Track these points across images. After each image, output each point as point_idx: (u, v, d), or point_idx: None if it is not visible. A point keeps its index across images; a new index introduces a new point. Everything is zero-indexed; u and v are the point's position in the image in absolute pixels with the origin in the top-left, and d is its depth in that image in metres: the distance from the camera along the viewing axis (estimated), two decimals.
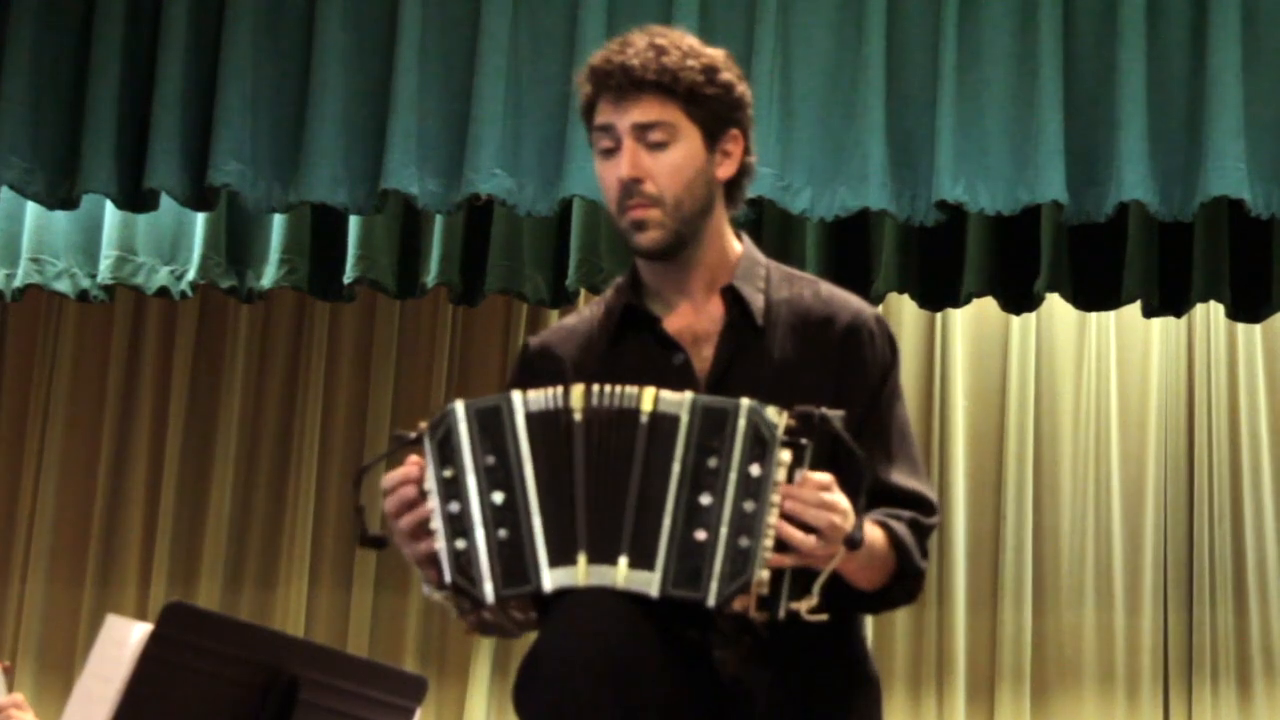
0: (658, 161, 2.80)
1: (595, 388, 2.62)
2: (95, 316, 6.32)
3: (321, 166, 5.18)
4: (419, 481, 2.64)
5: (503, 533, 2.59)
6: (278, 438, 6.34)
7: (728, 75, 2.84)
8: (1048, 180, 5.00)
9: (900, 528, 2.75)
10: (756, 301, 2.86)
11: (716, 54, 2.85)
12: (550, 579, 2.56)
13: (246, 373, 6.35)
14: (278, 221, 5.59)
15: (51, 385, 6.36)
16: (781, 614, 2.55)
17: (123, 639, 3.04)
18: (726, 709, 2.68)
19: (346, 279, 5.60)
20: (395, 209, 5.51)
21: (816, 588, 2.55)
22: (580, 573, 2.56)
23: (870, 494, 2.70)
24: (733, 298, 2.86)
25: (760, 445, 2.54)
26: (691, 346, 2.85)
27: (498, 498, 2.60)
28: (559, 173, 5.11)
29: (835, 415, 2.58)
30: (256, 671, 3.11)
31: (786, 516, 2.54)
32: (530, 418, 2.62)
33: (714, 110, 2.82)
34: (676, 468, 2.56)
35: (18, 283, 5.63)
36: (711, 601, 2.51)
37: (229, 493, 6.27)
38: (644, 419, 2.59)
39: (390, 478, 2.67)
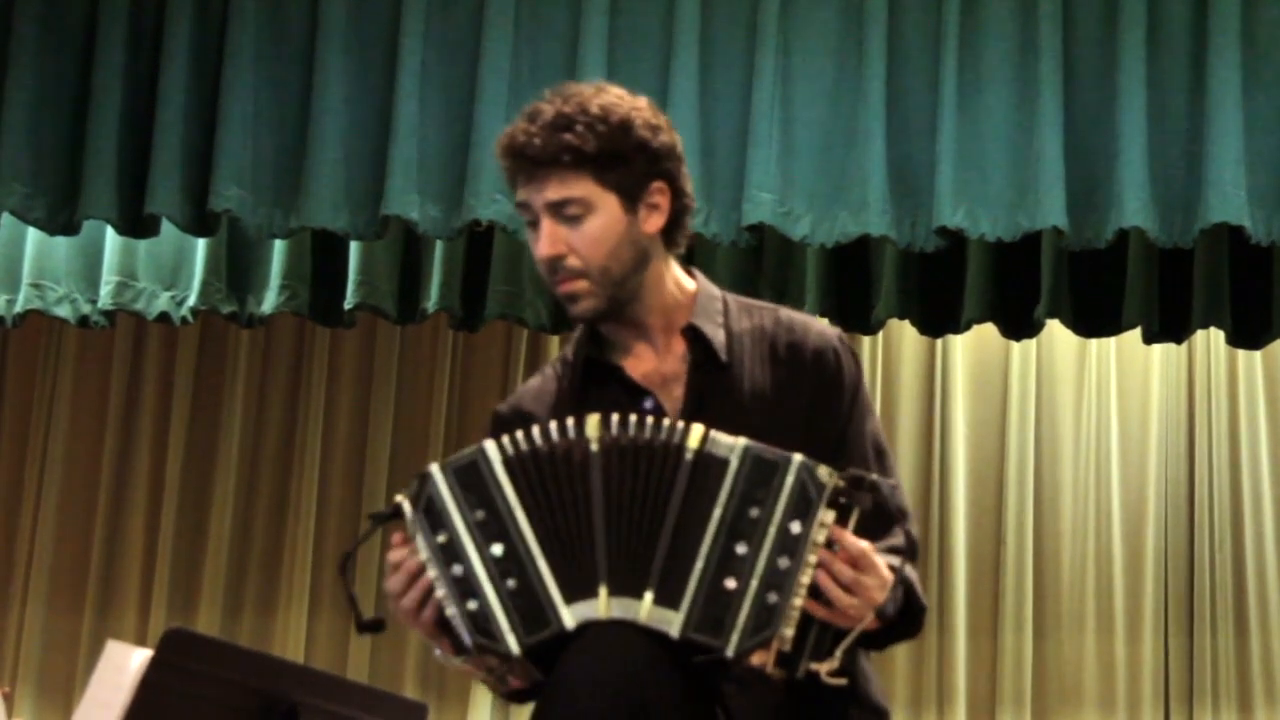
0: (577, 234, 2.79)
1: (615, 417, 2.61)
2: (96, 342, 6.33)
3: (322, 192, 5.18)
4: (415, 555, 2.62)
5: (511, 583, 2.57)
6: (278, 464, 6.34)
7: (641, 133, 2.80)
8: (1048, 206, 5.00)
9: (907, 567, 2.73)
10: (718, 337, 2.86)
11: (632, 108, 2.81)
12: (570, 616, 2.55)
13: (247, 398, 6.35)
14: (278, 247, 5.59)
15: (52, 411, 6.36)
16: (801, 673, 2.53)
17: (123, 665, 3.04)
18: None
19: (347, 304, 5.60)
20: (396, 234, 5.51)
21: (840, 651, 2.54)
22: (602, 605, 2.55)
23: None
24: (694, 336, 2.86)
25: (805, 503, 2.53)
26: (660, 389, 2.84)
27: (497, 550, 2.59)
28: None
29: (885, 484, 2.58)
30: (256, 698, 3.10)
31: (821, 578, 2.53)
32: (509, 463, 2.61)
33: (628, 173, 2.80)
34: (718, 512, 2.55)
35: (18, 308, 5.63)
36: (730, 652, 2.51)
37: (229, 518, 6.27)
38: (689, 455, 2.58)
39: (391, 558, 2.64)
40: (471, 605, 2.57)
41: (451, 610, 2.58)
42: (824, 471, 2.54)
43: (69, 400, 6.37)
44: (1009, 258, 5.36)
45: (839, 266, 5.48)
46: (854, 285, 5.52)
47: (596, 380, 2.88)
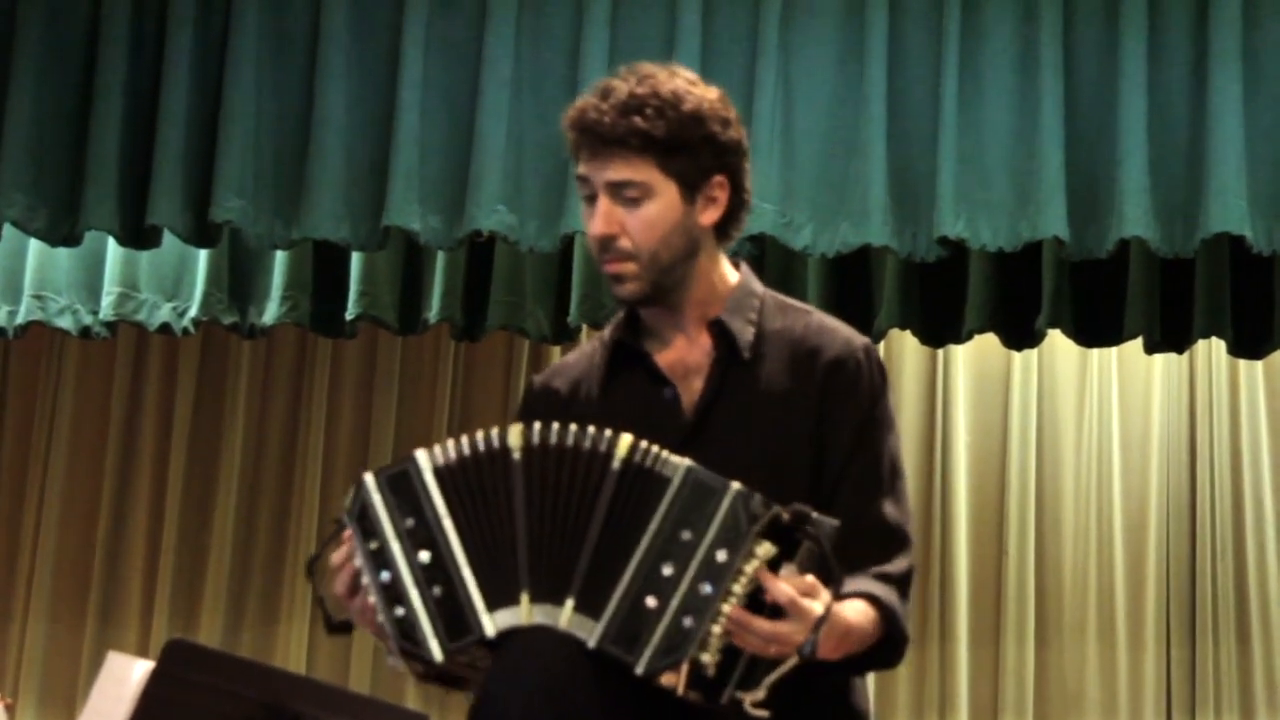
0: (633, 217, 2.80)
1: (537, 426, 2.62)
2: (97, 353, 6.33)
3: (323, 203, 5.19)
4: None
5: (437, 590, 2.60)
6: (280, 475, 6.34)
7: (711, 125, 2.81)
8: (1049, 216, 5.01)
9: (891, 596, 2.73)
10: (745, 334, 2.86)
11: (703, 98, 2.82)
12: (492, 624, 2.58)
13: (248, 409, 6.35)
14: (280, 258, 5.60)
15: (53, 422, 6.36)
16: (725, 699, 2.52)
17: (124, 676, 3.03)
18: None
19: (349, 315, 5.60)
20: (397, 245, 5.52)
21: (767, 682, 2.52)
22: (524, 612, 2.57)
23: (857, 527, 2.70)
24: (719, 331, 2.86)
25: (735, 533, 2.51)
26: (682, 380, 2.85)
27: (424, 557, 2.61)
28: (561, 208, 5.12)
29: (826, 523, 2.54)
30: (258, 709, 3.10)
31: (734, 624, 2.50)
32: (439, 472, 2.64)
33: (692, 163, 2.80)
34: (652, 528, 2.55)
35: (20, 319, 5.64)
36: (640, 670, 2.50)
37: (231, 530, 6.26)
38: (616, 465, 2.58)
39: (333, 561, 2.69)
40: (399, 612, 2.61)
41: (381, 618, 2.62)
42: (758, 502, 2.52)
43: (70, 411, 6.37)
44: (1010, 268, 5.36)
45: (840, 277, 5.48)
46: (855, 295, 5.51)
47: (625, 364, 2.89)
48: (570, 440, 2.61)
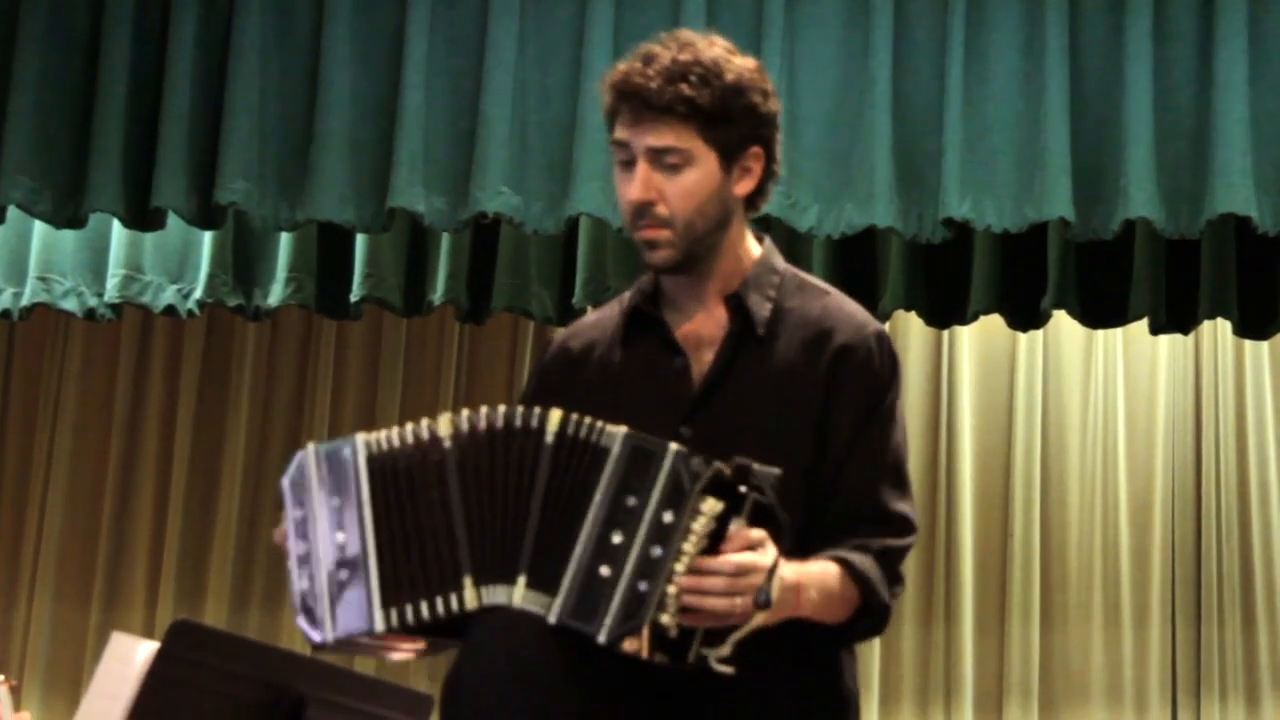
0: (671, 184, 2.79)
1: (465, 413, 2.63)
2: (102, 335, 6.33)
3: (328, 185, 5.19)
4: None
5: (343, 574, 2.64)
6: (285, 456, 6.27)
7: (752, 95, 2.82)
8: (1054, 198, 5.00)
9: (863, 561, 2.72)
10: (761, 310, 2.85)
11: (744, 68, 2.83)
12: (381, 619, 2.60)
13: (254, 391, 6.35)
14: (285, 240, 5.59)
15: (58, 404, 6.36)
16: (691, 658, 2.53)
17: (129, 657, 3.04)
18: (679, 714, 2.67)
19: (353, 297, 5.60)
20: (402, 227, 5.51)
21: (731, 639, 2.52)
22: (469, 596, 2.58)
23: (855, 512, 2.73)
24: (736, 305, 2.86)
25: (678, 493, 2.52)
26: (694, 351, 2.85)
27: (339, 538, 2.65)
28: (565, 190, 5.12)
29: (770, 473, 2.55)
30: (263, 690, 3.10)
31: (699, 569, 2.51)
32: (373, 459, 2.66)
33: (733, 132, 2.80)
34: (597, 499, 2.55)
35: (25, 301, 5.64)
36: (602, 638, 2.51)
37: (236, 512, 6.27)
38: (549, 439, 2.59)
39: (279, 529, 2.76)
40: (304, 584, 2.67)
41: (291, 582, 2.68)
42: (698, 461, 2.53)
43: (75, 393, 6.37)
44: (1016, 249, 5.36)
45: (845, 258, 5.47)
46: (860, 277, 5.50)
47: (642, 330, 2.89)
48: (500, 422, 2.61)
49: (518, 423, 2.61)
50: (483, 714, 2.54)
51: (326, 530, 2.65)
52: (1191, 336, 5.89)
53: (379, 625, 2.60)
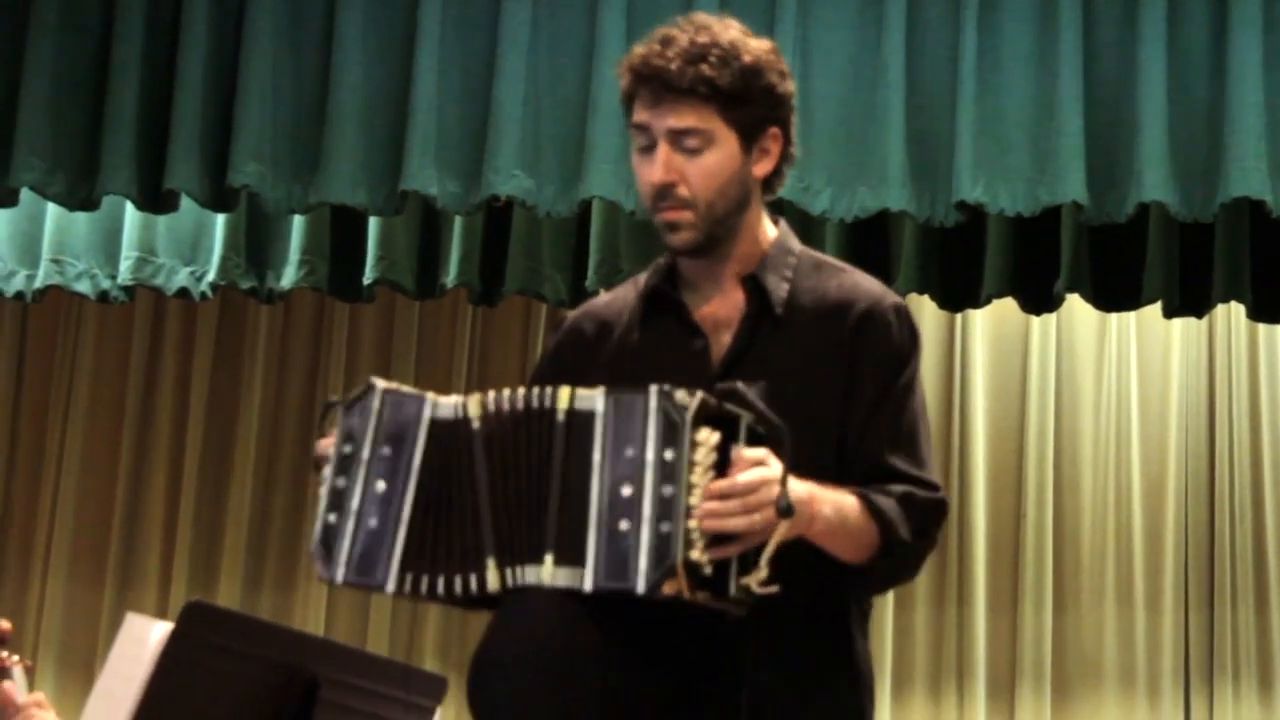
0: (692, 166, 2.80)
1: (492, 394, 2.64)
2: (115, 317, 6.34)
3: (341, 168, 5.19)
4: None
5: (372, 522, 2.63)
6: (298, 439, 6.35)
7: (770, 76, 2.83)
8: (1068, 181, 5.00)
9: (881, 499, 2.73)
10: (779, 291, 2.86)
11: (761, 49, 2.83)
12: (393, 582, 2.61)
13: (266, 374, 6.36)
14: (297, 222, 5.60)
15: (72, 386, 6.37)
16: (732, 591, 2.54)
17: (143, 638, 3.04)
18: (702, 701, 2.68)
19: (366, 280, 5.60)
20: (415, 210, 5.51)
21: (764, 559, 2.53)
22: (492, 577, 2.58)
23: (872, 475, 2.73)
24: (753, 286, 2.87)
25: (672, 429, 2.53)
26: (713, 332, 2.86)
27: (380, 487, 2.64)
28: (578, 173, 5.12)
29: (754, 387, 2.58)
30: (277, 671, 3.11)
31: (706, 515, 2.52)
32: (434, 423, 2.66)
33: (752, 113, 2.82)
34: (596, 460, 2.56)
35: (38, 284, 5.65)
36: (641, 589, 2.51)
37: (249, 493, 6.28)
38: (561, 416, 2.60)
39: (324, 441, 2.74)
40: (332, 518, 2.66)
41: (319, 510, 2.66)
42: (682, 394, 2.54)
43: (89, 375, 6.38)
44: (1029, 232, 5.35)
45: (858, 241, 5.47)
46: (873, 260, 5.49)
47: (659, 312, 2.90)
48: (520, 403, 2.62)
49: (534, 403, 2.62)
50: (509, 696, 2.55)
51: (370, 475, 2.65)
52: (1205, 320, 5.88)
53: (390, 587, 2.62)
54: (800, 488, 2.58)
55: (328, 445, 2.71)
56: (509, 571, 2.58)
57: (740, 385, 2.58)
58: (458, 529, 2.61)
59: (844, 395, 2.78)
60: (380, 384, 2.69)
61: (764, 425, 2.57)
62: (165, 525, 6.28)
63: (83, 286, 5.67)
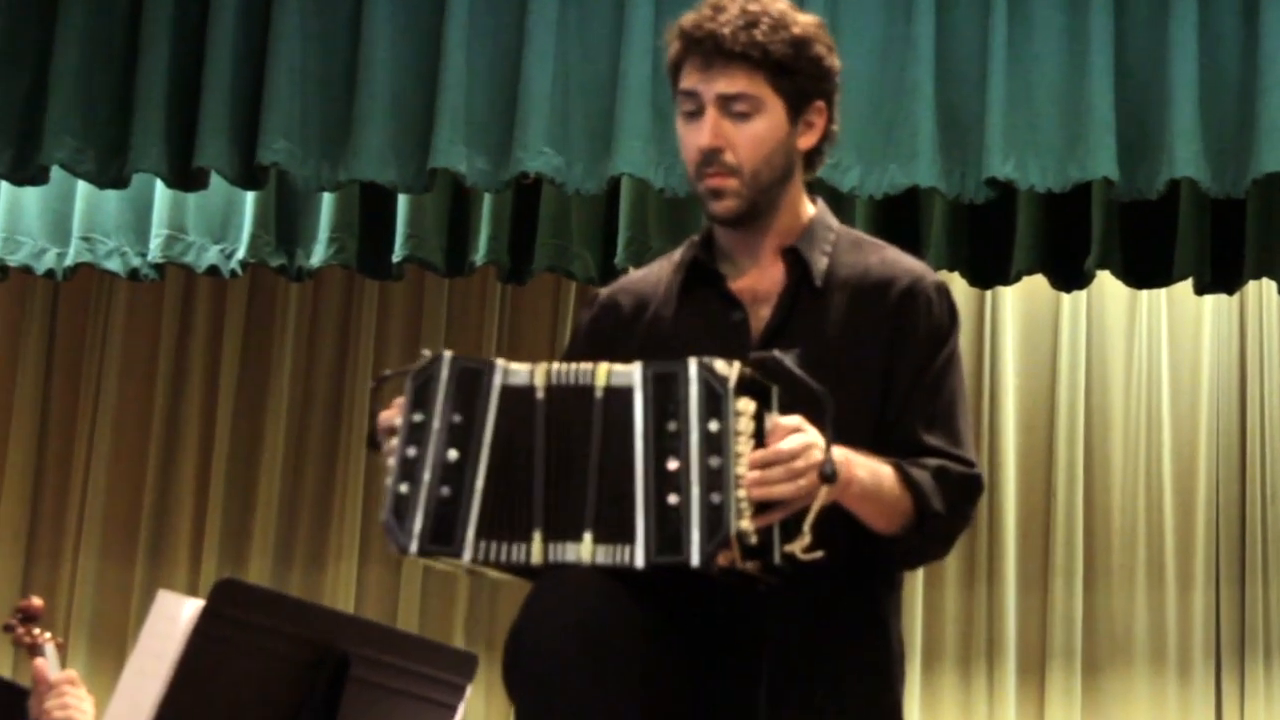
0: (740, 132, 2.81)
1: (556, 366, 2.64)
2: (146, 295, 6.35)
3: (370, 145, 5.19)
4: None
5: (445, 490, 2.63)
6: (328, 416, 6.36)
7: (818, 48, 2.84)
8: (1099, 157, 4.98)
9: (916, 470, 2.74)
10: (819, 264, 2.87)
11: (809, 22, 2.84)
12: (469, 550, 2.59)
13: (296, 351, 6.37)
14: (327, 200, 5.60)
15: (102, 364, 6.39)
16: (777, 559, 2.55)
17: (174, 615, 3.05)
18: (733, 675, 2.68)
19: (395, 257, 5.60)
20: (444, 187, 5.51)
21: (807, 526, 2.54)
22: (536, 550, 2.59)
23: (910, 450, 2.74)
24: (794, 259, 2.86)
25: (714, 400, 2.54)
26: (751, 305, 2.86)
27: (452, 455, 2.64)
28: (607, 150, 5.11)
29: (790, 355, 2.59)
30: (307, 648, 3.12)
31: (752, 484, 2.52)
32: (505, 390, 2.65)
33: (800, 84, 2.83)
34: (639, 436, 2.57)
35: (69, 261, 5.66)
36: (695, 562, 2.52)
37: (279, 471, 6.29)
38: (599, 394, 2.60)
39: (387, 412, 2.74)
40: (403, 488, 2.65)
41: (388, 481, 2.66)
42: (721, 364, 2.55)
43: (119, 353, 6.40)
44: (1059, 209, 5.33)
45: (888, 218, 5.45)
46: (903, 237, 5.46)
47: (697, 284, 2.90)
48: (570, 379, 2.63)
49: (578, 380, 2.62)
50: (546, 672, 2.55)
51: (442, 444, 2.64)
52: (1236, 296, 5.85)
53: (467, 556, 2.61)
54: (837, 452, 2.58)
55: (391, 416, 2.71)
56: (551, 547, 2.58)
57: (777, 353, 2.58)
58: (518, 500, 2.61)
59: (883, 371, 2.79)
60: (447, 353, 2.70)
61: (804, 391, 2.57)
62: (196, 502, 6.30)
63: (113, 264, 5.68)
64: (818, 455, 2.55)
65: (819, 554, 2.54)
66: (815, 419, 2.58)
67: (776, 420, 2.57)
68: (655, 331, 2.88)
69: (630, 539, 2.55)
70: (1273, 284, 5.48)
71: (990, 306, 6.16)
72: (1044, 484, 6.08)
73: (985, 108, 5.04)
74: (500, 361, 2.67)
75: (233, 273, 5.72)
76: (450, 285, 6.29)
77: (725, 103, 2.80)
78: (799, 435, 2.56)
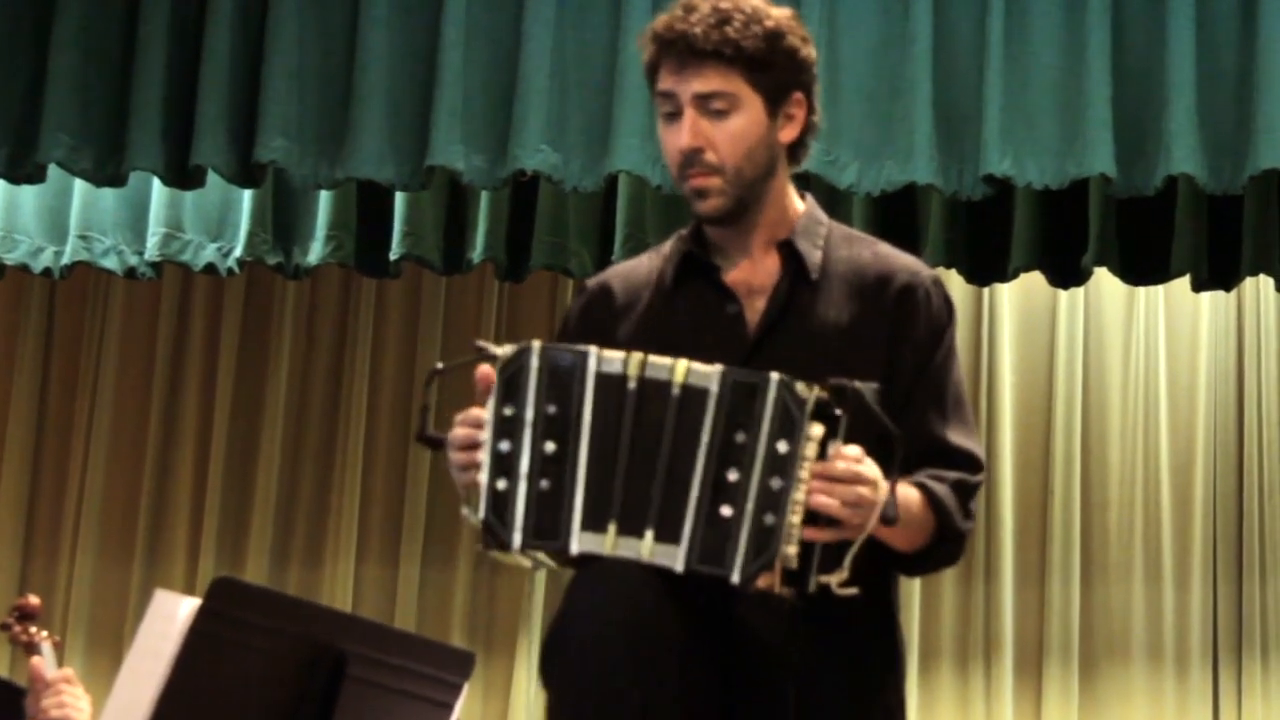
0: (719, 130, 2.81)
1: (646, 356, 2.61)
2: (142, 294, 6.35)
3: (367, 143, 5.19)
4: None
5: (545, 483, 2.60)
6: (324, 414, 6.35)
7: (792, 40, 2.84)
8: (1096, 153, 4.97)
9: (941, 489, 2.75)
10: (813, 257, 2.87)
11: (782, 15, 2.85)
12: (578, 542, 2.58)
13: (293, 349, 6.36)
14: (324, 198, 5.60)
15: (99, 362, 6.38)
16: (812, 588, 2.54)
17: (171, 614, 3.05)
18: (753, 677, 2.68)
19: (393, 255, 5.60)
20: (441, 185, 5.51)
21: (848, 561, 2.54)
22: (609, 542, 2.57)
23: (923, 451, 2.74)
24: (789, 253, 2.87)
25: (789, 422, 2.53)
26: (746, 298, 2.86)
27: (549, 447, 2.61)
28: (604, 148, 5.11)
29: (869, 388, 2.57)
30: (304, 646, 3.11)
31: (816, 492, 2.52)
32: (600, 378, 2.62)
33: (776, 77, 2.83)
34: (705, 441, 2.56)
35: (66, 260, 5.66)
36: (736, 579, 2.52)
37: (276, 469, 6.29)
38: (675, 391, 2.59)
39: (470, 412, 2.68)
40: (500, 484, 2.61)
41: (483, 478, 2.61)
42: (802, 386, 2.54)
43: (116, 351, 6.39)
44: (1056, 205, 5.33)
45: (885, 215, 5.45)
46: (900, 234, 5.47)
47: (690, 277, 2.90)
48: (650, 372, 2.60)
49: (657, 374, 2.59)
50: (590, 667, 2.53)
51: (537, 436, 2.61)
52: (1234, 293, 5.85)
53: (575, 547, 2.58)
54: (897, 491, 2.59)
55: (475, 416, 2.66)
56: (621, 540, 2.57)
57: (858, 384, 2.56)
58: (605, 491, 2.59)
59: (884, 367, 2.79)
60: (536, 343, 2.65)
61: (877, 427, 2.55)
62: (193, 501, 6.30)
63: (110, 263, 5.68)
64: (876, 495, 2.54)
65: (854, 590, 2.54)
66: (882, 458, 2.57)
67: (840, 449, 2.55)
68: (650, 322, 2.87)
69: (676, 540, 2.54)
70: (1269, 280, 5.49)
71: (988, 303, 6.16)
72: (1041, 480, 6.08)
73: (982, 104, 5.04)
74: (593, 348, 2.63)
75: (230, 271, 5.72)
76: (447, 283, 6.29)
77: (702, 102, 2.80)
78: (862, 467, 2.56)
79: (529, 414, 2.62)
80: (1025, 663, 5.98)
